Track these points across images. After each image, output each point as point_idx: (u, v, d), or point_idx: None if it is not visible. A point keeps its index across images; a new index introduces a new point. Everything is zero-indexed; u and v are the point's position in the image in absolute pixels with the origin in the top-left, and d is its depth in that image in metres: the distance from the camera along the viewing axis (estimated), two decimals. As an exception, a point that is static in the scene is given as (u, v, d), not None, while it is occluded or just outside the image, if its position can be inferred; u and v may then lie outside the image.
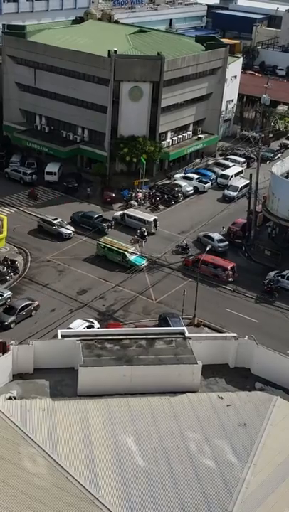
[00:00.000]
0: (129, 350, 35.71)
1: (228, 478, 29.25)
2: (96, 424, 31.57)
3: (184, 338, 37.07)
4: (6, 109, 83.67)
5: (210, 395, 34.52)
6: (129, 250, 62.39)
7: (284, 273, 60.55)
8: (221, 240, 65.99)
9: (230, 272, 60.23)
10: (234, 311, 56.70)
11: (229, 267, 60.46)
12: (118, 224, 68.42)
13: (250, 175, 67.97)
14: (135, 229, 67.03)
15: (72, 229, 66.51)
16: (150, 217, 68.58)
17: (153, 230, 67.84)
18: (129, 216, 68.69)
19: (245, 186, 75.79)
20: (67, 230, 66.18)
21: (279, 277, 60.41)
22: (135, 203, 73.06)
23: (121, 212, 69.82)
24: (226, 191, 76.55)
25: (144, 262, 61.94)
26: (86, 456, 29.63)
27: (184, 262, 62.60)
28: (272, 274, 60.81)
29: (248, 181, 75.04)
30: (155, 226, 68.23)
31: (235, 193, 75.85)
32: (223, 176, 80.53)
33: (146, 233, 66.43)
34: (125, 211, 69.81)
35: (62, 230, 65.87)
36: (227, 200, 75.44)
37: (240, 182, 77.53)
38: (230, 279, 60.25)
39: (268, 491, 28.82)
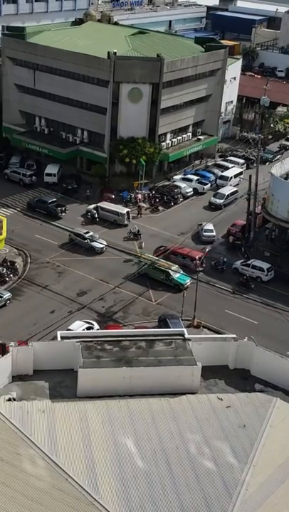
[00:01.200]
0: (129, 352, 35.70)
1: (227, 479, 29.23)
2: (95, 426, 31.56)
3: (184, 339, 37.06)
4: (5, 111, 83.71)
5: (209, 396, 34.51)
6: (173, 268, 59.47)
7: (249, 262, 61.83)
8: (208, 230, 67.15)
9: (198, 262, 61.64)
10: (234, 313, 56.70)
11: (197, 257, 61.88)
12: (92, 217, 69.78)
13: (250, 176, 68.00)
14: (108, 221, 68.93)
15: (105, 242, 64.22)
16: (123, 210, 69.89)
17: (126, 222, 69.26)
18: (103, 209, 70.06)
19: (232, 194, 75.03)
20: (100, 243, 63.82)
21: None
22: (144, 205, 73.17)
23: (94, 205, 71.08)
24: (212, 199, 74.57)
25: (188, 281, 58.97)
26: (85, 457, 29.61)
27: (154, 253, 63.36)
28: (238, 263, 62.12)
29: (236, 189, 75.19)
30: (128, 218, 69.62)
31: (222, 201, 74.00)
32: (222, 178, 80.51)
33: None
34: (99, 204, 71.13)
35: (95, 244, 63.53)
36: (213, 207, 73.83)
37: (227, 189, 76.21)
38: (199, 269, 61.15)
39: (267, 492, 28.80)
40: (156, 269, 59.34)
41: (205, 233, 67.12)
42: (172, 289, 58.66)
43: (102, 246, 63.76)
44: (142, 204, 73.14)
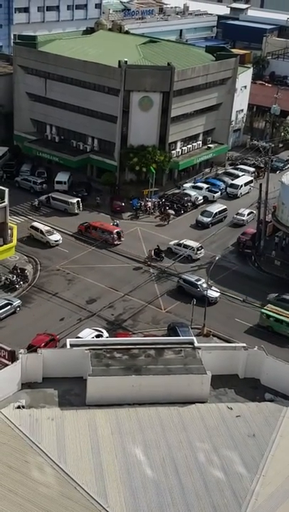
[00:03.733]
0: (138, 360, 35.66)
1: (237, 489, 29.08)
2: (104, 434, 31.50)
3: (193, 348, 37.00)
4: (17, 119, 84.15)
5: (219, 405, 34.40)
6: None
7: (180, 242, 65.64)
8: (239, 214, 72.67)
9: (115, 236, 66.45)
10: (243, 321, 56.47)
11: (114, 231, 66.72)
12: (44, 206, 72.59)
13: (260, 185, 67.92)
14: (60, 210, 72.14)
15: (218, 291, 59.06)
16: (73, 199, 72.82)
17: (76, 211, 71.98)
18: (54, 198, 73.16)
19: (220, 212, 72.39)
20: (214, 292, 58.51)
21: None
22: (172, 212, 73.41)
23: (46, 195, 73.80)
24: (200, 217, 71.52)
25: None
26: (94, 465, 29.55)
27: (78, 228, 68.37)
28: (171, 243, 65.99)
29: (224, 206, 73.73)
30: (78, 207, 72.35)
31: (209, 219, 70.90)
32: (232, 186, 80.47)
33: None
34: (50, 194, 73.81)
35: (209, 292, 57.17)
36: (200, 226, 71.05)
37: (215, 207, 73.07)
38: (116, 242, 66.23)
39: (277, 502, 28.62)
40: (282, 323, 53.56)
41: (236, 215, 71.90)
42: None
43: (216, 295, 58.05)
44: (170, 211, 73.15)
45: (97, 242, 65.42)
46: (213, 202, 77.32)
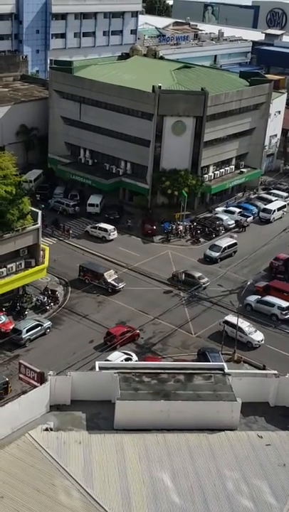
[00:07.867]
0: (167, 385, 35.37)
1: (266, 520, 28.43)
2: (132, 459, 31.19)
3: (224, 374, 36.58)
4: (51, 142, 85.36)
5: (249, 433, 33.84)
6: None
7: (96, 225, 72.25)
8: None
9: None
10: (275, 348, 55.73)
11: None
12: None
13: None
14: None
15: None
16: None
17: None
18: None
19: (230, 246, 69.94)
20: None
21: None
22: (222, 232, 74.08)
23: None
24: (208, 251, 69.16)
25: None
26: (121, 491, 29.22)
27: None
28: (88, 227, 72.73)
29: (234, 241, 71.24)
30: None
31: (218, 254, 68.38)
32: (265, 210, 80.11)
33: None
34: None
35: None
36: (208, 260, 68.68)
37: (224, 242, 70.56)
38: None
39: (307, 536, 27.89)
40: None
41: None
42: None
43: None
44: (222, 233, 74.07)
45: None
46: (244, 226, 76.91)
